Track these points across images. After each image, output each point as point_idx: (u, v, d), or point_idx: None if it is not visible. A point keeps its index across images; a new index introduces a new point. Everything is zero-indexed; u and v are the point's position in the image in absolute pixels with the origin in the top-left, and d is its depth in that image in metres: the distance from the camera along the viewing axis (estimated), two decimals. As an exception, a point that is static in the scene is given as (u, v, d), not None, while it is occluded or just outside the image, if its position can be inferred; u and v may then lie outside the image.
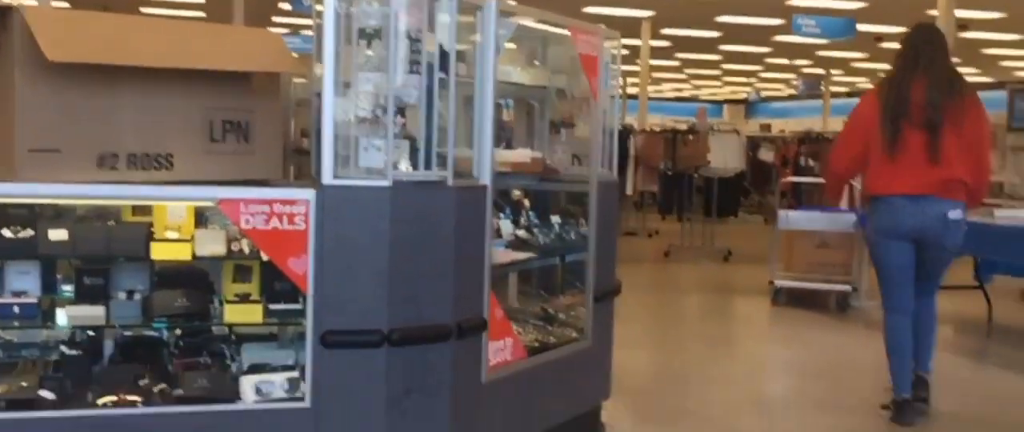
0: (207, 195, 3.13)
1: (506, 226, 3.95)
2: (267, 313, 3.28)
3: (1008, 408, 5.13)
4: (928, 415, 4.70)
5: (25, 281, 3.23)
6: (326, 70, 3.09)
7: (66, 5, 16.83)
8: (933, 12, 12.08)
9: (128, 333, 3.45)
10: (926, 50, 4.42)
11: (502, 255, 3.77)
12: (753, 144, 14.74)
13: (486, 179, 3.39)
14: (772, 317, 7.77)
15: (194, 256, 3.19)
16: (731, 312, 8.31)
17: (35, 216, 3.18)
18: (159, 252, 3.16)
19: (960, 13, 13.01)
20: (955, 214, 4.37)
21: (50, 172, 3.01)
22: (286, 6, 15.25)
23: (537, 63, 4.26)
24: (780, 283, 8.16)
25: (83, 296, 3.20)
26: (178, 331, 3.49)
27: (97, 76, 3.09)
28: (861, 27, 14.54)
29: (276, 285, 3.26)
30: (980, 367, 6.40)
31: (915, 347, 4.61)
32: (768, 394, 5.53)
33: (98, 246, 3.16)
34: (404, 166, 3.18)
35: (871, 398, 5.27)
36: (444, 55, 3.22)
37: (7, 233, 3.12)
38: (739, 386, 5.52)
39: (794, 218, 8.31)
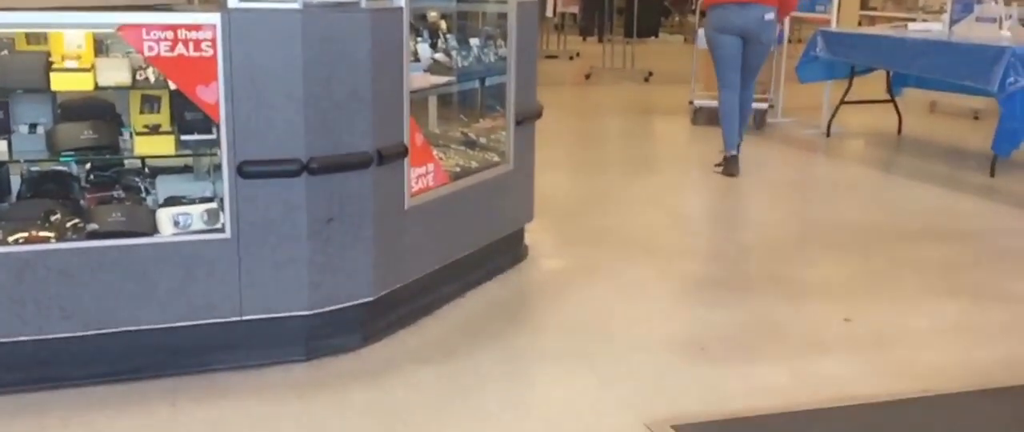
0: (106, 21, 2.96)
1: (424, 49, 3.84)
2: (180, 144, 3.18)
3: (914, 216, 5.36)
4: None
5: (-84, 117, 3.07)
6: None
7: None
8: None
9: (35, 168, 3.34)
10: None
11: (420, 79, 3.69)
12: (674, -38, 14.54)
13: (401, 0, 3.27)
14: (692, 136, 7.87)
15: (97, 86, 3.04)
16: (652, 133, 8.39)
17: (-81, 48, 3.00)
18: (59, 82, 3.00)
19: None
20: (769, 16, 5.99)
21: (-69, 0, 2.81)
22: None
23: None
24: (699, 103, 8.22)
25: (-19, 131, 3.06)
26: (88, 165, 3.39)
27: None
28: None
29: (187, 115, 3.14)
30: (889, 177, 6.63)
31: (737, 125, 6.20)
32: (688, 212, 5.66)
33: (-8, 78, 3.00)
34: (314, -13, 3.05)
35: (791, 211, 5.44)
36: None
37: None
38: (660, 205, 5.64)
39: (713, 37, 8.28)
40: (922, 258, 4.56)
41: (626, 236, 4.86)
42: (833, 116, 7.70)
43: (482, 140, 4.29)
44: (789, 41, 8.62)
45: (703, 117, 8.15)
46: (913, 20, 8.34)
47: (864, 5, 12.87)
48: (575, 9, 13.04)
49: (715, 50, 6.19)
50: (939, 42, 6.63)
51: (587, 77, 11.30)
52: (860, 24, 11.52)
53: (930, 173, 6.50)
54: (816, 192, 5.80)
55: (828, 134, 7.67)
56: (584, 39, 13.36)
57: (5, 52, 3.10)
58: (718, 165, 6.28)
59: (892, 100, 7.91)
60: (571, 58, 13.12)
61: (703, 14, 10.65)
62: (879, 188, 6.24)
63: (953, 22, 6.95)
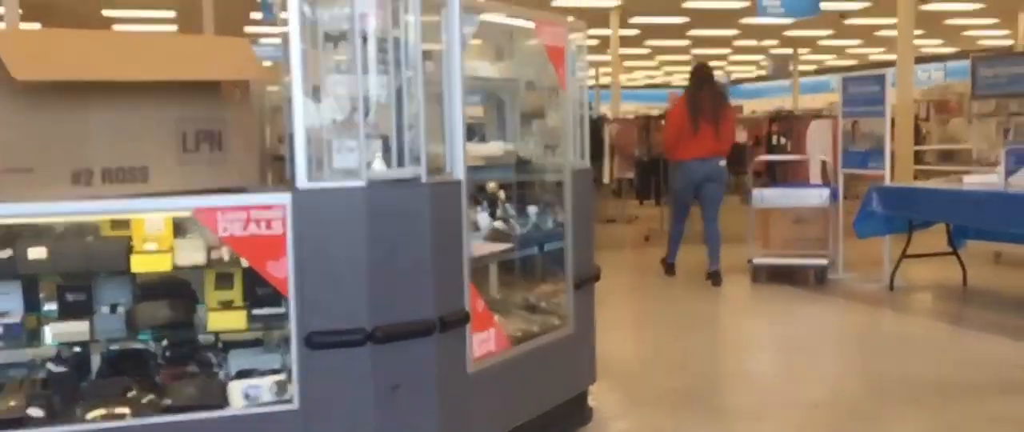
0: (183, 205, 3.16)
1: (483, 219, 3.99)
2: (251, 318, 3.31)
3: (987, 369, 5.23)
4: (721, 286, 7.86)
5: (7, 301, 3.24)
6: (294, 74, 3.12)
7: (38, 26, 16.67)
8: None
9: (114, 347, 3.47)
10: (706, 77, 8.04)
11: (480, 248, 3.81)
12: (726, 126, 14.79)
13: (459, 174, 3.43)
14: (752, 294, 7.85)
15: (174, 266, 3.21)
16: (712, 292, 8.36)
17: (13, 236, 3.19)
18: (139, 264, 3.18)
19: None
20: (722, 162, 7.90)
21: (25, 191, 3.02)
22: (257, 15, 15.19)
23: (505, 57, 4.30)
24: (758, 261, 8.24)
25: (66, 313, 3.22)
26: (164, 341, 3.51)
27: (67, 93, 3.11)
28: (825, 5, 14.64)
29: (258, 290, 3.28)
30: (957, 330, 6.50)
31: (709, 254, 8.04)
32: (753, 370, 5.60)
33: (78, 262, 3.18)
34: (378, 165, 3.22)
35: (859, 367, 5.36)
36: (411, 53, 3.25)
37: (-14, 254, 3.12)
38: (724, 364, 5.59)
39: (768, 196, 8.39)
40: (998, 413, 4.44)
41: (691, 396, 4.82)
42: (895, 270, 7.63)
43: (542, 304, 4.35)
44: (845, 198, 8.66)
45: (764, 275, 8.15)
46: (968, 173, 8.36)
47: (918, 160, 12.91)
48: (631, 175, 13.27)
49: (676, 195, 8.18)
50: (996, 193, 6.63)
51: (646, 239, 11.39)
52: (916, 178, 11.54)
53: (1000, 325, 6.37)
54: (883, 347, 5.70)
55: (891, 288, 7.59)
56: (641, 203, 13.53)
57: (90, 237, 3.29)
58: (664, 265, 8.54)
59: (955, 252, 7.83)
60: (630, 221, 13.26)
61: (758, 174, 10.89)
62: (948, 342, 6.12)
63: (1008, 173, 6.96)
